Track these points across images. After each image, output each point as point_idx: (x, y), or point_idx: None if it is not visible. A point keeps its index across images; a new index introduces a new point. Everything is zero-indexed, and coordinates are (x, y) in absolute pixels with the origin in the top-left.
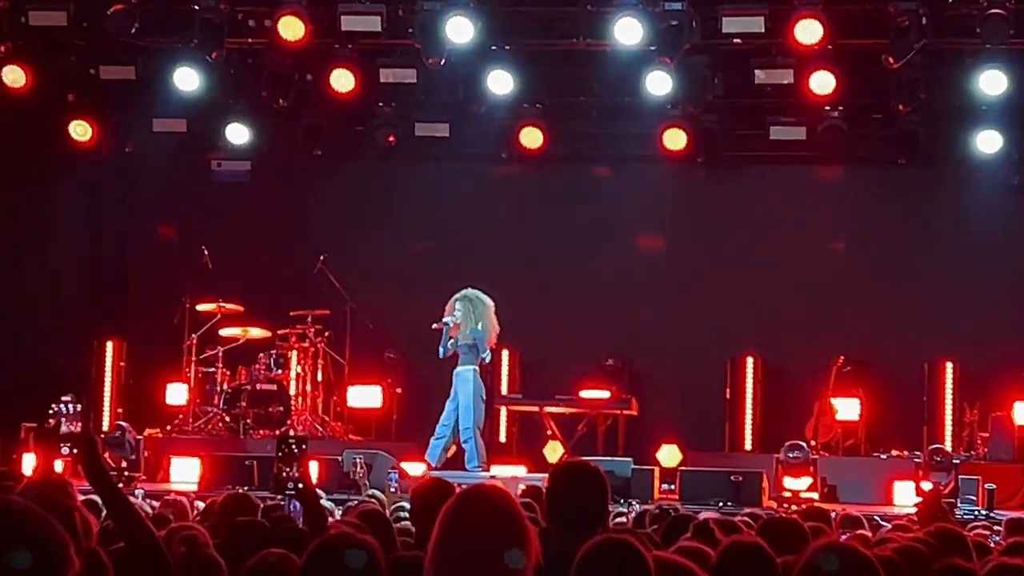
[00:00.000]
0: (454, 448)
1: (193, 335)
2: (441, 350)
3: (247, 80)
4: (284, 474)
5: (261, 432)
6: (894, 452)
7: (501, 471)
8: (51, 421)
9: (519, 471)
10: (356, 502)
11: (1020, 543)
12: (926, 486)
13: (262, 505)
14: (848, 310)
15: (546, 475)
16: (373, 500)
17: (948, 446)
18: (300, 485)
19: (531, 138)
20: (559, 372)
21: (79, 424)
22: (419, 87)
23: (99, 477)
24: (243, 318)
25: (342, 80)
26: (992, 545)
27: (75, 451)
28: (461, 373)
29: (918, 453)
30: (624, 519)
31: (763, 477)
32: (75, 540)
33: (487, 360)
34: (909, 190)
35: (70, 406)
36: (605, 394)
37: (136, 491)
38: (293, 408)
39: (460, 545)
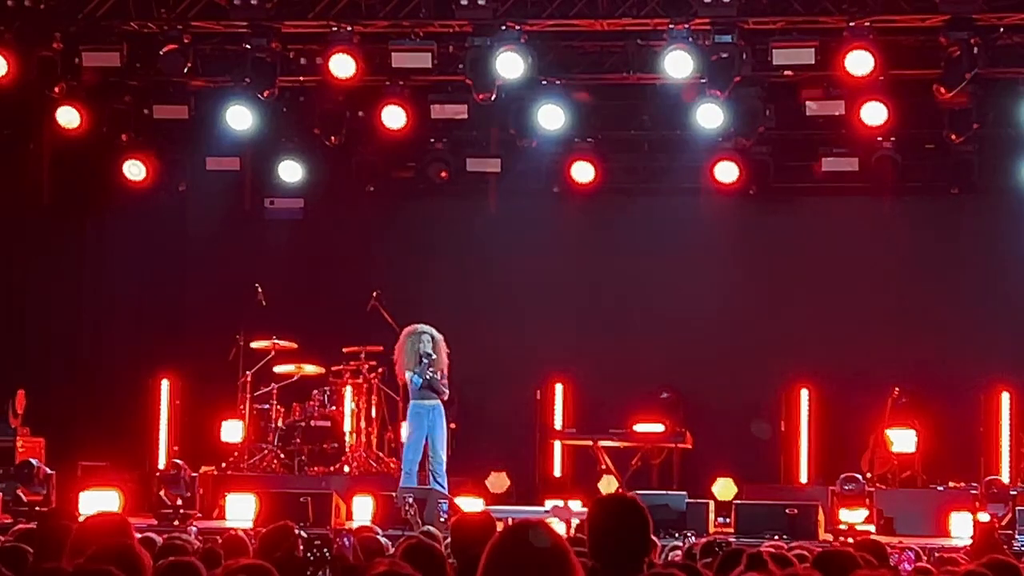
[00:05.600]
0: None
1: (248, 372)
2: (421, 380)
3: (299, 118)
4: None
5: (316, 469)
6: (951, 483)
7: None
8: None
9: (574, 505)
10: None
11: None
12: (983, 518)
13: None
14: (903, 341)
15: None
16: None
17: (1005, 477)
18: None
19: (582, 172)
20: (613, 406)
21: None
22: (470, 123)
23: None
24: (297, 355)
25: (393, 117)
26: None
27: None
28: (438, 407)
29: (975, 484)
30: (678, 553)
31: (819, 510)
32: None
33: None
34: (963, 220)
35: None
36: (659, 427)
37: (191, 528)
38: (347, 444)
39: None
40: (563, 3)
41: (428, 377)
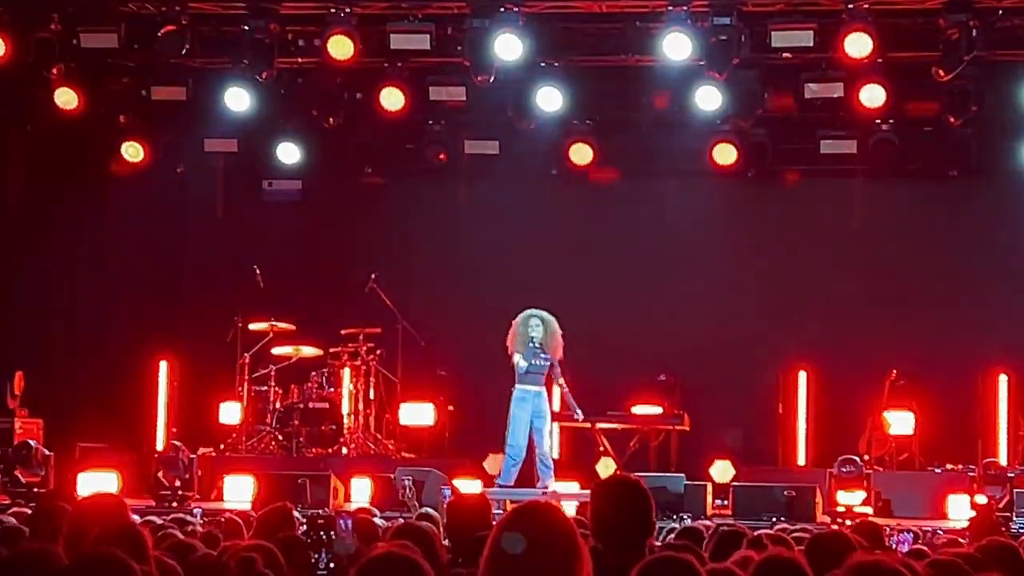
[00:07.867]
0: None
1: (246, 354)
2: (527, 365)
3: (297, 100)
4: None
5: (314, 450)
6: (948, 466)
7: (555, 487)
8: None
9: (572, 487)
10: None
11: None
12: (980, 500)
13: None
14: (901, 323)
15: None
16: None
17: (1002, 459)
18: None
19: (581, 154)
20: (611, 388)
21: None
22: (468, 105)
23: None
24: (295, 337)
25: (392, 98)
26: None
27: None
28: (542, 394)
29: (972, 466)
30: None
31: (816, 492)
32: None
33: None
34: (961, 202)
35: None
36: (657, 410)
37: (195, 510)
38: (345, 426)
39: (514, 562)
40: None
41: (534, 362)
